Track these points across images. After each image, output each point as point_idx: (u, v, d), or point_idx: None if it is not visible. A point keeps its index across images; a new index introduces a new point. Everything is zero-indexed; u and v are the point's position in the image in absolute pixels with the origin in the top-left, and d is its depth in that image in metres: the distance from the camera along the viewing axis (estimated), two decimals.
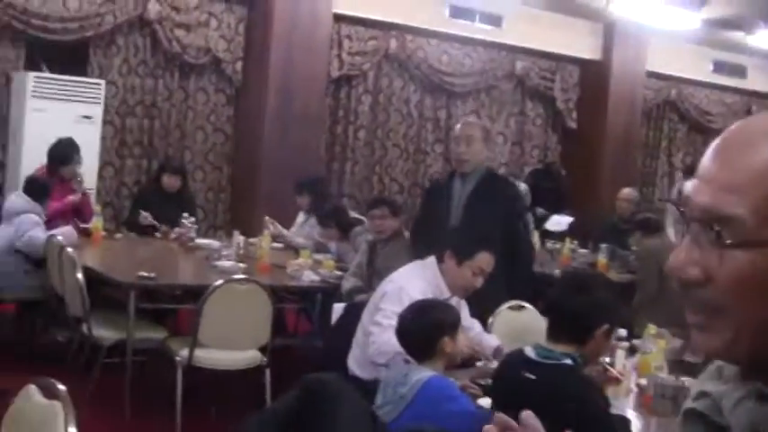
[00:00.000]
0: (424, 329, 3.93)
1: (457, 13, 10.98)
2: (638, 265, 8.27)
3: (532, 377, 3.37)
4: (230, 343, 5.81)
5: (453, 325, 4.00)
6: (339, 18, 10.15)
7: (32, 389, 3.13)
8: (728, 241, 1.13)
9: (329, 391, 3.65)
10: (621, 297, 6.03)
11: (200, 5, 9.55)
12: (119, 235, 7.74)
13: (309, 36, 9.68)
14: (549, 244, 9.43)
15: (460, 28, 11.11)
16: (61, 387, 3.07)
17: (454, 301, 4.75)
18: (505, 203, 5.80)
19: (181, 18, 9.43)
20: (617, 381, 4.45)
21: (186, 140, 9.84)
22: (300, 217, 8.32)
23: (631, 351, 4.79)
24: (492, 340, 5.00)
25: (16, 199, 7.06)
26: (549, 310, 3.81)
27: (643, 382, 4.38)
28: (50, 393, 3.09)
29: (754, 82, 14.81)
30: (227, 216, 10.12)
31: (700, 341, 1.21)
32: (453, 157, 6.04)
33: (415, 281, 4.73)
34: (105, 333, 6.00)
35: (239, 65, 9.79)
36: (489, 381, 4.01)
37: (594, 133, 12.61)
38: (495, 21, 11.27)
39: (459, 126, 6.05)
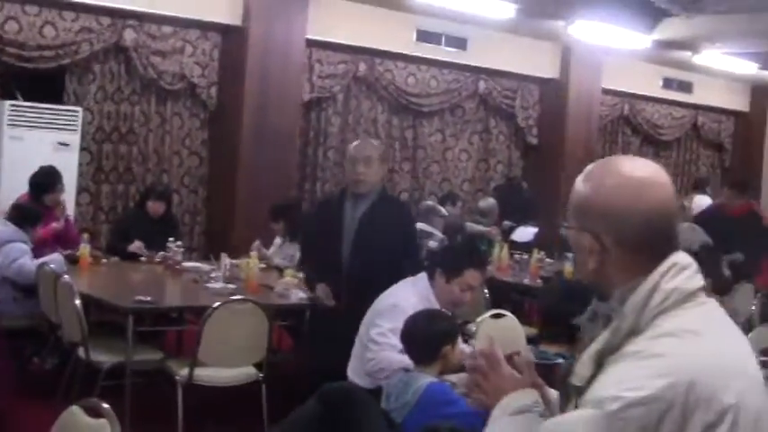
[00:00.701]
0: (429, 336, 4.23)
1: (424, 36, 11.33)
2: None
3: None
4: (228, 361, 6.03)
5: (455, 334, 4.30)
6: (311, 43, 10.41)
7: (75, 409, 3.31)
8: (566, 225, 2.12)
9: (351, 399, 3.92)
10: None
11: (176, 32, 9.75)
12: (105, 261, 7.85)
13: (283, 61, 9.93)
14: (517, 255, 9.70)
15: (427, 51, 11.46)
16: (105, 405, 3.27)
17: None
18: (398, 223, 5.79)
19: (156, 45, 9.61)
20: None
21: (164, 165, 10.01)
22: (278, 240, 8.52)
23: None
24: (466, 348, 5.26)
25: (2, 227, 7.10)
26: (547, 316, 4.15)
27: None
28: (95, 413, 3.28)
29: (699, 96, 15.50)
30: (202, 239, 10.30)
31: None
32: (350, 177, 5.78)
33: (408, 297, 4.93)
34: (103, 357, 6.13)
35: (214, 90, 10.01)
36: None
37: (554, 148, 12.99)
38: (460, 44, 11.63)
39: (355, 146, 5.93)
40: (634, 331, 1.92)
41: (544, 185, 12.71)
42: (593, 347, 1.99)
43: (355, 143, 6.09)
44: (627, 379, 1.86)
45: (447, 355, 4.19)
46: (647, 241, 1.97)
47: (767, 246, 9.31)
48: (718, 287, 6.16)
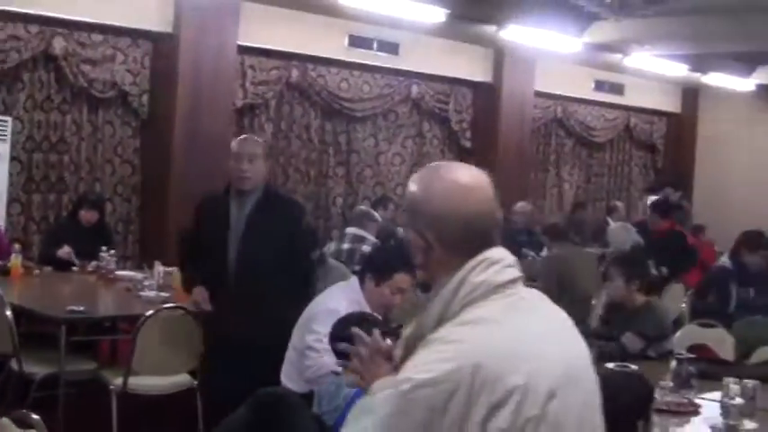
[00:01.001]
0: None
1: (356, 42, 11.35)
2: (541, 270, 8.82)
3: None
4: (162, 369, 6.03)
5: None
6: (243, 50, 10.40)
7: (5, 422, 3.30)
8: None
9: (283, 404, 3.95)
10: None
11: (106, 40, 9.66)
12: (37, 271, 7.78)
13: (215, 68, 9.90)
14: None
15: (359, 56, 11.49)
16: (35, 416, 3.27)
17: None
18: (287, 220, 5.69)
19: (86, 53, 9.52)
20: None
21: (96, 173, 9.91)
22: None
23: None
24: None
25: None
26: None
27: None
28: (25, 423, 3.28)
29: (631, 98, 15.74)
30: (135, 247, 10.23)
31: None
32: (234, 175, 5.60)
33: (341, 301, 4.95)
34: (36, 368, 6.09)
35: (145, 98, 9.94)
36: None
37: (488, 151, 13.06)
38: (392, 48, 11.68)
39: (238, 142, 5.72)
40: (442, 320, 2.14)
41: None
42: (405, 333, 2.28)
43: (239, 139, 5.88)
44: (421, 362, 2.07)
45: None
46: (465, 240, 2.18)
47: (690, 264, 9.58)
48: (646, 286, 6.28)
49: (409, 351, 2.18)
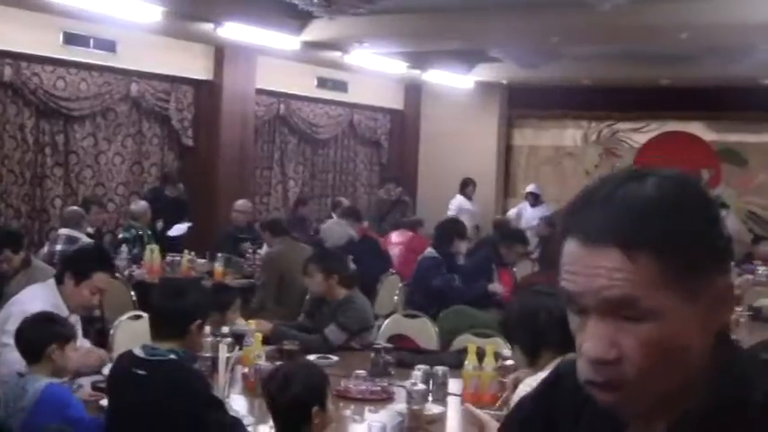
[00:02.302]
0: (34, 337, 4.29)
1: (71, 39, 11.09)
2: (262, 267, 9.01)
3: (143, 373, 3.88)
4: None
5: (63, 336, 4.35)
6: None
7: None
8: None
9: None
10: (240, 299, 6.65)
11: None
12: None
13: None
14: (170, 257, 9.81)
15: (75, 54, 11.23)
16: None
17: (73, 319, 5.10)
18: None
19: None
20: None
21: None
22: None
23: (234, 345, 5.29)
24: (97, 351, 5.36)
25: None
26: (151, 313, 4.35)
27: (246, 370, 5.08)
28: None
29: (354, 95, 16.11)
30: None
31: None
32: None
33: (35, 302, 4.96)
34: None
35: None
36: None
37: (210, 149, 13.11)
38: (109, 46, 11.49)
39: None
40: None
41: (200, 186, 12.83)
42: None
43: None
44: None
45: (52, 356, 4.24)
46: None
47: (385, 267, 9.97)
48: (346, 281, 6.57)
49: None
